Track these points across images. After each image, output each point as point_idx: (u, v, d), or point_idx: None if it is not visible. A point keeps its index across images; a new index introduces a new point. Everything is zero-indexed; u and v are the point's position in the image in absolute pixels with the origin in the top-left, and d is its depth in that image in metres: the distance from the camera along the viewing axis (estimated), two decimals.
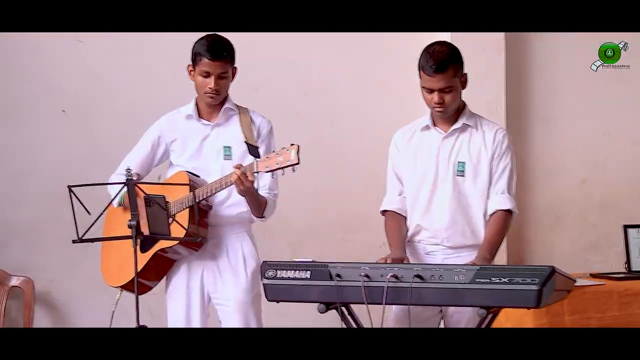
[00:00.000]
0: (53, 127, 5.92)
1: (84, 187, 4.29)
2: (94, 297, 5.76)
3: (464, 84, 4.43)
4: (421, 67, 4.35)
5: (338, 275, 3.97)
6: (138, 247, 4.51)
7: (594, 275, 5.34)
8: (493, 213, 4.41)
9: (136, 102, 5.93)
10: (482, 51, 6.18)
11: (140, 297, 4.52)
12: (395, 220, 4.53)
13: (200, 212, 4.53)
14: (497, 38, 6.21)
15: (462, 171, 4.43)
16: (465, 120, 4.47)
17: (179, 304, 4.67)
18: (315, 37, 6.01)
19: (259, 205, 4.58)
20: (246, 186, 4.35)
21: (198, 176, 4.61)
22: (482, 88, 6.13)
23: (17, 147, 5.91)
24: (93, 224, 4.23)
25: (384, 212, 4.60)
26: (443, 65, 4.30)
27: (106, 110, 5.98)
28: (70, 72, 5.94)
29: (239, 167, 4.37)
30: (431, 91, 4.36)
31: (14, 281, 5.78)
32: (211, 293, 4.67)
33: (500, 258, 6.13)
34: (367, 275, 3.92)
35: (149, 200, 4.30)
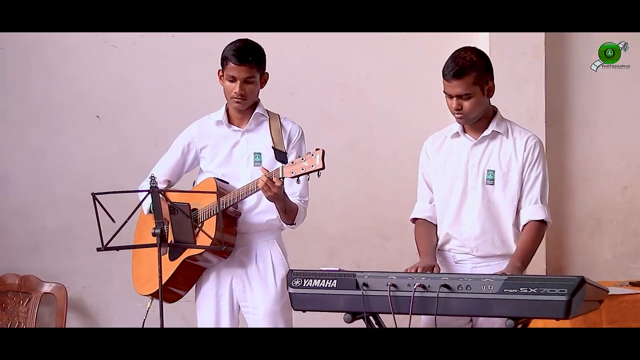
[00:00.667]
0: (84, 132, 5.90)
1: (114, 194, 4.26)
2: (127, 304, 5.72)
3: (489, 92, 4.34)
4: (442, 72, 4.29)
5: (365, 285, 3.90)
6: (167, 255, 4.56)
7: (633, 284, 5.20)
8: (526, 224, 4.33)
9: (168, 107, 5.89)
10: (521, 55, 6.10)
11: (172, 304, 4.61)
12: (425, 228, 4.48)
13: (229, 219, 4.49)
14: (537, 41, 6.10)
15: (492, 179, 4.35)
16: (495, 127, 4.38)
17: (209, 312, 4.62)
18: (351, 38, 5.96)
19: (289, 212, 4.51)
20: (273, 192, 4.29)
21: (227, 183, 4.56)
22: (522, 92, 6.07)
23: (49, 153, 5.90)
24: (118, 231, 4.18)
25: (414, 220, 4.55)
26: (461, 71, 4.22)
27: (137, 115, 5.94)
28: (101, 76, 5.91)
29: (265, 170, 4.33)
30: (450, 97, 4.29)
31: (47, 288, 5.76)
32: (240, 301, 4.62)
33: (539, 265, 6.05)
34: (394, 285, 3.85)
35: (173, 208, 4.25)
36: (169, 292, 4.56)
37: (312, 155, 4.21)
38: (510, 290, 3.69)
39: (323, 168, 4.19)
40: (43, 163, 5.89)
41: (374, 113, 6.21)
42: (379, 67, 6.17)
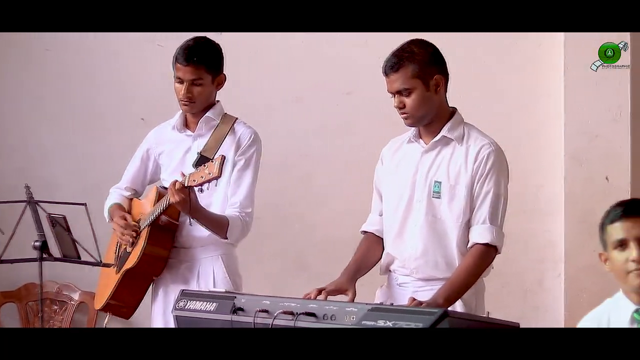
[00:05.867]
0: (129, 135, 5.68)
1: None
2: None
3: (436, 88, 3.84)
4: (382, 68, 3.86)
5: (240, 309, 3.55)
6: (115, 269, 4.44)
7: None
8: (472, 247, 3.80)
9: None
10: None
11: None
12: (367, 244, 4.06)
13: (161, 230, 4.26)
14: (621, 35, 5.51)
15: (438, 192, 3.83)
16: (447, 132, 3.87)
17: None
18: (414, 35, 5.53)
19: (210, 224, 4.19)
20: (176, 199, 3.98)
21: None
22: (602, 91, 5.49)
23: (94, 157, 5.79)
24: (7, 244, 4.11)
25: (363, 232, 4.12)
26: (396, 63, 3.79)
27: None
28: (146, 77, 5.77)
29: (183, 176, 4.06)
30: (392, 95, 3.84)
31: (80, 296, 5.68)
32: None
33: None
34: (265, 311, 3.47)
35: (53, 220, 4.03)
36: (117, 306, 4.42)
37: (213, 162, 3.89)
38: (368, 323, 3.25)
39: (219, 176, 3.86)
40: (89, 168, 5.79)
41: None
42: None
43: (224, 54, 5.61)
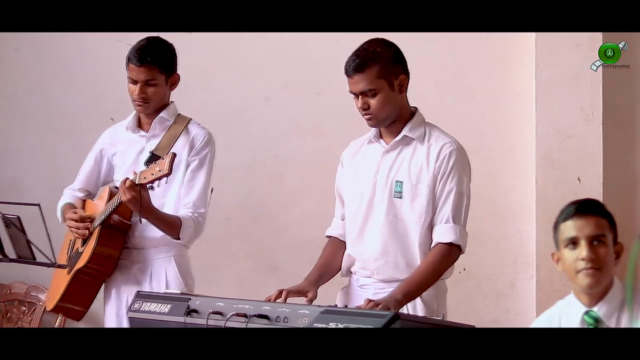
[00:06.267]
0: (99, 135, 5.64)
1: None
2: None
3: (400, 88, 3.81)
4: (344, 68, 3.81)
5: (194, 311, 3.51)
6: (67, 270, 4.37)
7: None
8: (435, 246, 3.76)
9: (185, 109, 5.47)
10: (574, 47, 5.42)
11: None
12: (330, 249, 4.01)
13: (112, 230, 4.22)
14: (594, 35, 5.45)
15: (400, 192, 3.80)
16: (408, 131, 3.83)
17: None
18: (391, 36, 5.50)
19: (164, 224, 4.15)
20: (127, 198, 3.95)
21: None
22: (575, 90, 5.43)
23: (64, 157, 5.70)
24: None
25: (328, 237, 4.07)
26: (362, 64, 3.74)
27: None
28: (115, 77, 5.62)
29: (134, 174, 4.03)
30: (356, 96, 3.78)
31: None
32: None
33: None
34: (218, 313, 3.43)
35: (6, 220, 4.01)
36: (68, 307, 4.38)
37: (164, 159, 3.87)
38: (320, 325, 3.22)
39: (169, 174, 3.84)
40: (58, 168, 5.71)
41: None
42: (412, 66, 5.67)
43: (195, 54, 5.62)
